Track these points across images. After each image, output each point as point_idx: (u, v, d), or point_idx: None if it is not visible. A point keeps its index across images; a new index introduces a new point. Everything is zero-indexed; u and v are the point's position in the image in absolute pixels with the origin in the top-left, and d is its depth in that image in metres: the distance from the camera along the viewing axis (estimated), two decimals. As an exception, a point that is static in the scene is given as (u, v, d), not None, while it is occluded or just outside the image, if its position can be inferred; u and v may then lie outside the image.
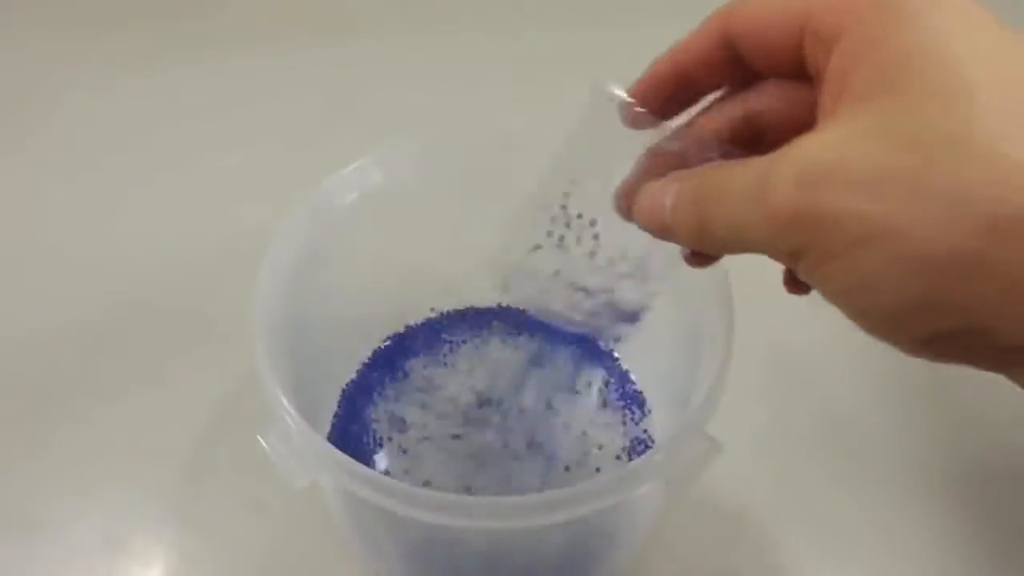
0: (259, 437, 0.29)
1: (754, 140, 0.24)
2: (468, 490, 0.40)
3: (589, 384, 0.45)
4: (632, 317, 0.29)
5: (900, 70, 0.18)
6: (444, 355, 0.46)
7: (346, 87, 0.66)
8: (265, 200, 0.49)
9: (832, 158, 0.17)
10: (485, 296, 0.47)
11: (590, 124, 0.25)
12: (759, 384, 0.46)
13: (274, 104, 0.63)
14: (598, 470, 0.41)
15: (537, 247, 0.28)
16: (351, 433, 0.42)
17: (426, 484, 0.40)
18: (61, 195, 0.58)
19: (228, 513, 0.42)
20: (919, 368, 0.47)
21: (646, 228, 0.23)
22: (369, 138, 0.60)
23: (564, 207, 0.27)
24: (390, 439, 0.42)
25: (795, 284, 0.24)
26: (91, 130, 0.63)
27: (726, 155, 0.22)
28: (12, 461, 0.44)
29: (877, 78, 0.18)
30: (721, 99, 0.25)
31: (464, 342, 0.46)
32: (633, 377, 0.45)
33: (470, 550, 0.34)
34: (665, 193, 0.22)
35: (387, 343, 0.46)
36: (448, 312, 0.47)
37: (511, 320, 0.47)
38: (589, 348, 0.46)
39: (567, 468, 0.41)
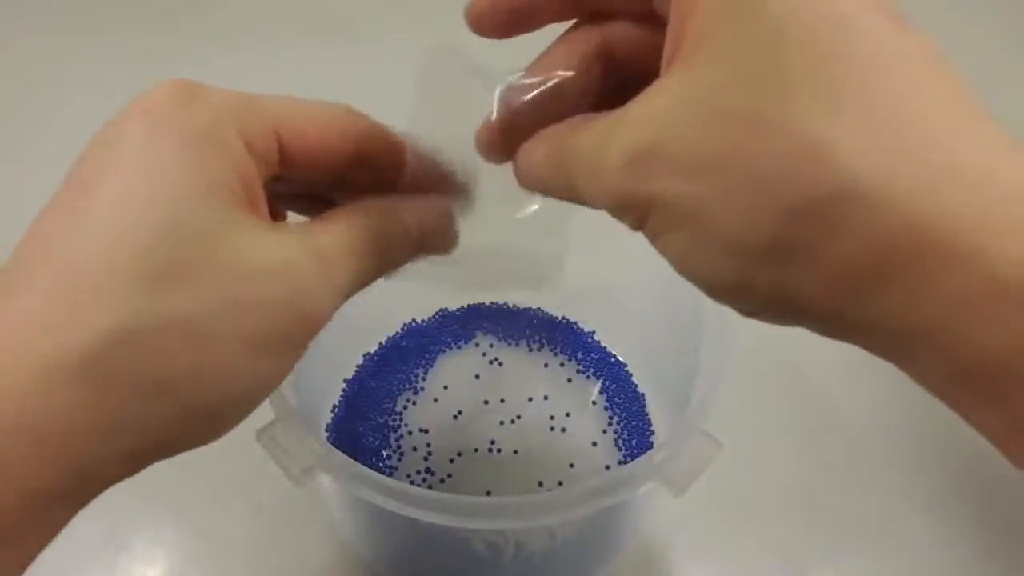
0: (259, 437, 0.29)
1: (612, 72, 0.23)
2: (467, 491, 0.40)
3: (589, 384, 0.45)
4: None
5: (722, 31, 0.17)
6: (444, 356, 0.46)
7: (346, 87, 0.65)
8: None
9: (654, 137, 0.17)
10: (487, 296, 0.47)
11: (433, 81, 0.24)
12: (759, 383, 0.46)
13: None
14: (598, 469, 0.41)
15: None
16: (351, 432, 0.42)
17: (426, 484, 0.40)
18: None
19: (228, 513, 0.42)
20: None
21: (533, 190, 0.23)
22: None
23: None
24: (390, 439, 0.42)
25: None
26: (91, 130, 0.62)
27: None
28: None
29: (702, 38, 0.17)
30: (570, 31, 0.23)
31: (465, 343, 0.46)
32: (633, 377, 0.45)
33: (470, 550, 0.34)
34: (533, 155, 0.22)
35: (387, 343, 0.46)
36: (449, 312, 0.47)
37: (512, 321, 0.47)
38: (589, 348, 0.46)
39: (567, 469, 0.41)
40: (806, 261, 0.16)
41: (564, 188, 0.21)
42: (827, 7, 0.16)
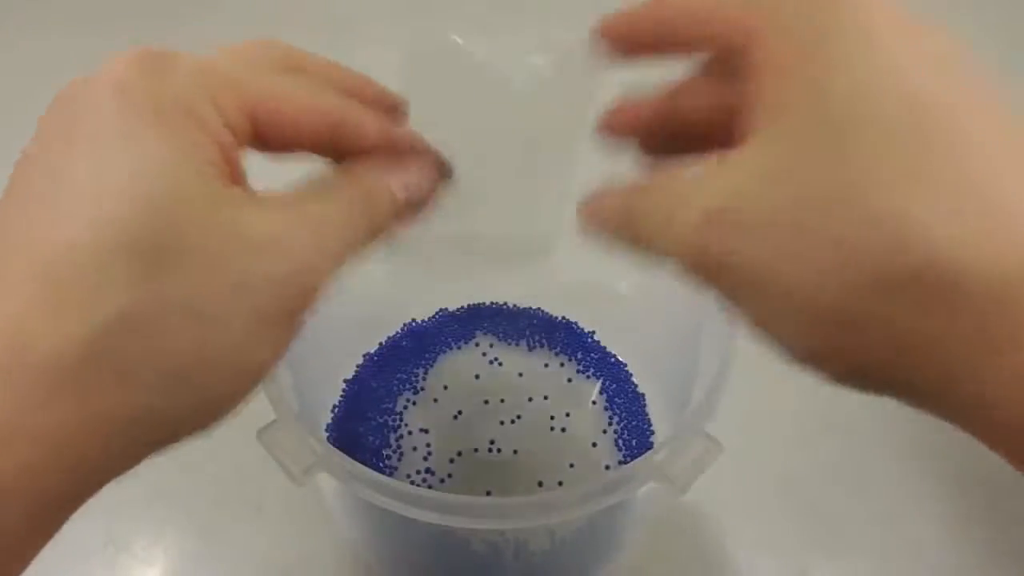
0: (259, 437, 0.29)
1: (687, 133, 0.23)
2: (467, 491, 0.40)
3: (589, 384, 0.45)
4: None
5: (796, 106, 0.17)
6: (444, 356, 0.46)
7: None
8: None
9: (733, 203, 0.17)
10: (486, 296, 0.47)
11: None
12: (759, 383, 0.46)
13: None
14: (598, 469, 0.41)
15: None
16: (351, 432, 0.42)
17: (426, 484, 0.40)
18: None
19: (228, 513, 0.42)
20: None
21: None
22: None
23: None
24: (390, 439, 0.42)
25: None
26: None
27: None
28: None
29: (778, 112, 0.17)
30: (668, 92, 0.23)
31: (465, 343, 0.46)
32: (633, 377, 0.45)
33: (470, 550, 0.34)
34: (601, 207, 0.22)
35: (387, 343, 0.46)
36: (449, 312, 0.47)
37: (512, 321, 0.47)
38: (589, 348, 0.46)
39: (567, 469, 0.41)
40: (891, 333, 0.16)
41: (633, 244, 0.21)
42: (893, 85, 0.16)
